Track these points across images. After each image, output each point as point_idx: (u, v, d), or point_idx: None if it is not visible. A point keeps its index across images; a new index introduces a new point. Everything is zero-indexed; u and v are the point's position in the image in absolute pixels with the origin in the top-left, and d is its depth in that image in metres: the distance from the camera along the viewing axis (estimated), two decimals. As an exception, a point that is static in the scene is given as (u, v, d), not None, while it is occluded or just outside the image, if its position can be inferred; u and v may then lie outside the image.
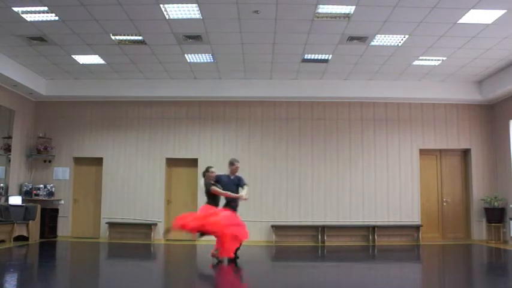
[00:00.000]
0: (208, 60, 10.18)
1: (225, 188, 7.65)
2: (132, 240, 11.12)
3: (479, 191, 11.54)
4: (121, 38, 8.92)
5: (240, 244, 7.50)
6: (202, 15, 7.87)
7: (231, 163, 8.03)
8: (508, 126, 11.15)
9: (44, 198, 11.36)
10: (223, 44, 9.22)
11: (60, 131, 11.91)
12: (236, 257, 7.43)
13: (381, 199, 11.52)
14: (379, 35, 8.66)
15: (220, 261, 7.37)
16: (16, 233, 10.08)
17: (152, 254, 9.67)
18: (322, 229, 11.30)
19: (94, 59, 10.14)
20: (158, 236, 11.36)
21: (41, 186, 11.44)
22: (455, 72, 10.74)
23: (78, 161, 11.96)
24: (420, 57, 9.85)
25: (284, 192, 11.54)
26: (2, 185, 10.62)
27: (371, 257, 9.45)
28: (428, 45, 9.09)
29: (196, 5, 7.48)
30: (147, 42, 9.12)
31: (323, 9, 7.60)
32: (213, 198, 7.60)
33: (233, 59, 10.10)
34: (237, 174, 8.01)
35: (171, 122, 11.87)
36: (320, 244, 11.14)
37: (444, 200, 11.86)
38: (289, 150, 11.70)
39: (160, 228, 11.42)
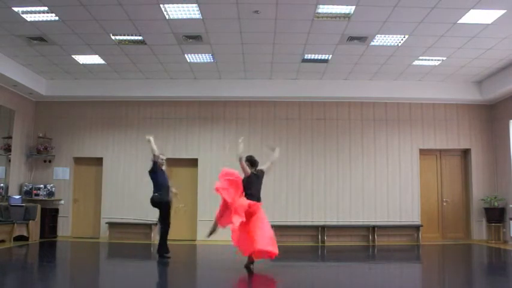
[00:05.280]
0: (208, 60, 10.19)
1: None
2: (132, 240, 11.11)
3: (479, 191, 11.54)
4: (121, 38, 8.92)
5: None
6: (202, 15, 7.87)
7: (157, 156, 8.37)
8: (508, 126, 11.15)
9: (44, 198, 11.36)
10: (223, 44, 9.22)
11: (60, 131, 11.91)
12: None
13: (381, 199, 11.52)
14: (379, 35, 8.66)
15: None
16: (16, 233, 10.10)
17: (152, 254, 9.65)
18: (322, 229, 11.30)
19: (94, 59, 10.14)
20: (158, 236, 11.33)
21: (41, 186, 11.43)
22: (455, 72, 10.74)
23: (78, 161, 11.96)
24: (420, 57, 9.85)
25: (284, 192, 11.54)
26: (2, 185, 10.62)
27: (371, 257, 9.45)
28: (428, 45, 9.09)
29: (196, 5, 7.48)
30: (147, 42, 9.12)
31: (323, 9, 7.60)
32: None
33: (233, 59, 10.10)
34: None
35: (171, 122, 11.87)
36: (320, 244, 11.14)
37: (444, 200, 11.86)
38: (289, 150, 11.69)
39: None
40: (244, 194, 6.95)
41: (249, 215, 6.72)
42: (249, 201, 6.75)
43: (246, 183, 7.00)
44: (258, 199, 6.99)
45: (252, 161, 7.21)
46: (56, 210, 11.57)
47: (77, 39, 8.95)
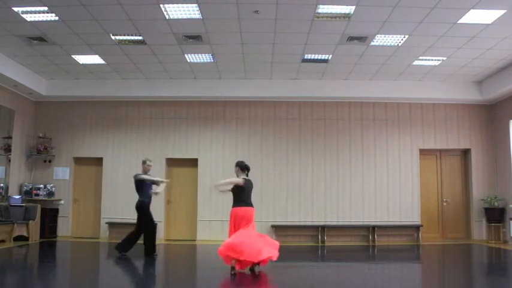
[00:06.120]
0: (208, 60, 10.19)
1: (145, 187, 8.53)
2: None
3: (479, 191, 11.54)
4: (121, 38, 8.92)
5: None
6: (202, 15, 7.87)
7: (143, 162, 8.76)
8: (508, 126, 11.15)
9: (44, 198, 11.36)
10: (223, 44, 9.22)
11: (60, 131, 11.91)
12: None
13: (381, 199, 11.52)
14: (379, 35, 8.66)
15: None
16: (16, 233, 10.11)
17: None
18: (322, 229, 11.30)
19: (94, 59, 10.14)
20: (158, 236, 11.33)
21: (41, 186, 11.43)
22: (455, 72, 10.74)
23: (78, 161, 11.96)
24: (420, 57, 9.85)
25: (284, 192, 11.55)
26: (2, 185, 10.62)
27: (371, 257, 9.45)
28: (428, 45, 9.09)
29: (196, 5, 7.48)
30: (147, 42, 9.12)
31: (323, 9, 7.60)
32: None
33: (233, 59, 10.10)
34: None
35: (171, 122, 11.87)
36: (320, 244, 11.14)
37: (444, 200, 11.86)
38: (289, 150, 11.70)
39: (161, 228, 11.43)
40: (237, 201, 6.82)
41: (245, 221, 6.68)
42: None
43: (239, 191, 6.84)
44: (250, 204, 6.86)
45: (242, 167, 7.03)
46: (56, 210, 11.57)
47: (77, 39, 8.95)
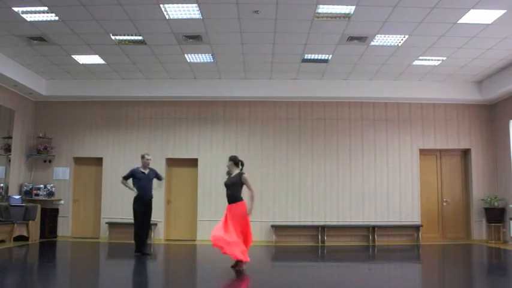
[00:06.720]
0: (208, 60, 10.19)
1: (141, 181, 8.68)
2: (132, 240, 11.08)
3: (479, 191, 11.54)
4: (121, 38, 8.92)
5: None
6: (202, 15, 7.87)
7: (142, 156, 8.94)
8: (508, 126, 11.15)
9: (44, 198, 11.36)
10: (223, 44, 9.22)
11: (60, 131, 11.91)
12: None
13: (381, 199, 11.52)
14: (379, 35, 8.66)
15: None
16: (16, 233, 10.10)
17: (152, 254, 9.65)
18: (322, 229, 11.31)
19: (94, 59, 10.14)
20: (158, 236, 11.36)
21: (41, 186, 11.43)
22: (455, 72, 10.74)
23: (78, 161, 11.96)
24: (420, 57, 9.85)
25: (284, 192, 11.55)
26: (2, 185, 10.62)
27: (371, 257, 9.45)
28: (428, 45, 9.09)
29: (196, 5, 7.48)
30: (147, 42, 9.12)
31: (323, 9, 7.60)
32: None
33: (233, 59, 10.10)
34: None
35: (171, 122, 11.87)
36: (320, 244, 11.14)
37: (444, 200, 11.86)
38: (289, 150, 11.70)
39: (161, 228, 11.44)
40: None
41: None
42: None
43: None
44: (228, 201, 7.22)
45: (236, 162, 7.34)
46: (56, 210, 11.57)
47: (77, 39, 8.95)
